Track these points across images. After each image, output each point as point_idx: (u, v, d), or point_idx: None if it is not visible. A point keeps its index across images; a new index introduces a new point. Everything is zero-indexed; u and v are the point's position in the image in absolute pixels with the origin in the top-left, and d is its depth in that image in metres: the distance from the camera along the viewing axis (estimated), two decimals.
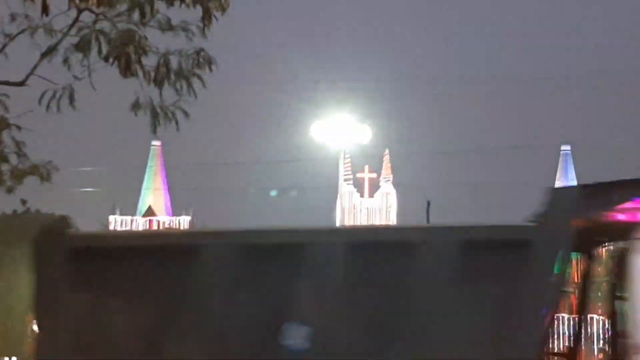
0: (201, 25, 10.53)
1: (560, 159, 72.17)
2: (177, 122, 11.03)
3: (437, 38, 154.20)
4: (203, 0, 10.30)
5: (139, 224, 67.17)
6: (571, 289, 8.07)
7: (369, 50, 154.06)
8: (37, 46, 11.07)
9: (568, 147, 72.07)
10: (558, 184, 71.73)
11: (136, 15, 10.26)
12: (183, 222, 67.46)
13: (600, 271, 8.73)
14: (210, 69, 10.83)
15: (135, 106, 10.99)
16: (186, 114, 11.05)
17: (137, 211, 69.64)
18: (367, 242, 6.76)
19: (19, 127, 12.60)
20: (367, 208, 66.81)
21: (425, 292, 6.35)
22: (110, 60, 10.39)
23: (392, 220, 66.65)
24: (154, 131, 11.19)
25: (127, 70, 10.33)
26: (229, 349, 6.41)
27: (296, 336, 6.23)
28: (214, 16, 10.43)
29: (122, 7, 10.30)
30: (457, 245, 6.52)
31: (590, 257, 8.30)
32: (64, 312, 6.55)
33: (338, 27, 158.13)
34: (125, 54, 10.25)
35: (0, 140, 13.09)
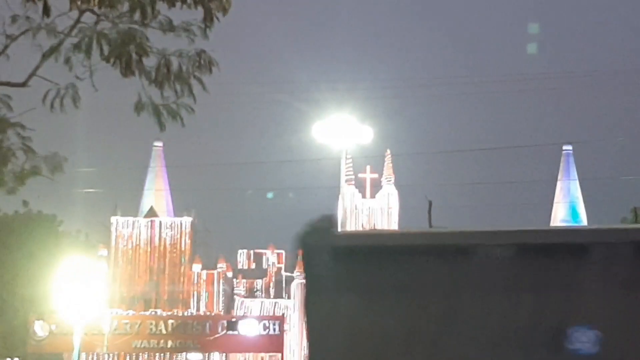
0: (203, 26, 10.54)
1: (562, 158, 72.20)
2: (182, 119, 11.04)
3: (438, 39, 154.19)
4: (204, 1, 10.30)
5: (141, 224, 67.30)
6: None
7: (370, 51, 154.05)
8: (38, 47, 11.09)
9: (570, 147, 72.15)
10: (560, 183, 71.87)
11: (137, 16, 10.26)
12: (185, 223, 67.58)
13: None
14: (211, 71, 10.83)
15: (138, 107, 11.00)
16: (191, 109, 11.06)
17: (138, 212, 69.68)
18: None
19: (23, 126, 12.63)
20: (369, 208, 66.92)
21: None
22: (111, 60, 10.40)
23: (393, 221, 66.84)
24: (163, 129, 11.20)
25: (127, 70, 10.34)
26: (511, 354, 6.37)
27: (584, 340, 6.17)
28: (216, 17, 10.45)
29: (124, 7, 10.30)
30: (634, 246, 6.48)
31: None
32: (332, 313, 6.53)
33: (339, 29, 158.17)
34: (125, 54, 10.26)
35: (2, 141, 13.10)
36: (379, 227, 66.13)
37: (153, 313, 59.94)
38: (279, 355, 53.55)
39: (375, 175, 67.48)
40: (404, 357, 6.39)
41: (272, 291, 69.03)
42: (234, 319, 50.95)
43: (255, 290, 69.14)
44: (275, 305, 67.08)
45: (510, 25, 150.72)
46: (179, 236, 67.28)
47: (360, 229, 66.17)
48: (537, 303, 6.43)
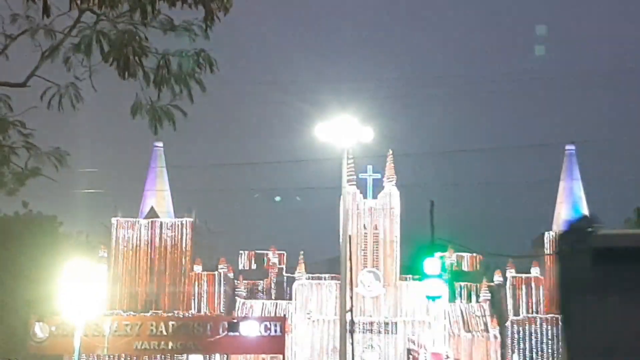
0: (204, 25, 10.51)
1: (565, 158, 72.20)
2: (174, 122, 10.99)
3: (440, 41, 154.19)
4: (205, 0, 10.28)
5: (142, 225, 67.35)
6: None
7: (372, 53, 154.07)
8: (38, 47, 11.07)
9: (572, 147, 72.17)
10: (562, 183, 71.84)
11: (137, 16, 10.24)
12: (185, 223, 67.63)
13: None
14: (212, 70, 10.80)
15: (135, 108, 10.96)
16: (184, 113, 11.02)
17: (139, 213, 69.69)
18: None
19: (23, 124, 12.59)
20: (370, 208, 66.92)
21: None
22: (110, 61, 10.38)
23: (395, 221, 66.83)
24: (155, 132, 11.17)
25: (125, 72, 10.33)
26: None
27: None
28: (217, 17, 10.42)
29: (124, 7, 10.28)
30: None
31: None
32: (596, 314, 6.46)
33: (341, 31, 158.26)
34: (124, 55, 10.25)
35: (2, 141, 13.06)
36: (380, 227, 66.16)
37: (154, 314, 59.97)
38: (280, 356, 53.51)
39: (378, 175, 67.51)
40: None
41: (273, 292, 69.08)
42: (235, 320, 50.93)
43: (256, 291, 69.16)
44: (276, 306, 67.10)
45: (513, 26, 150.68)
46: (179, 237, 67.31)
47: (363, 229, 66.24)
48: None
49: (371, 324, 64.36)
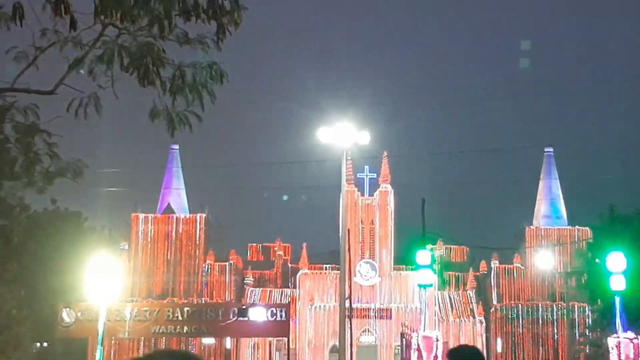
0: (216, 39, 10.51)
1: (544, 159, 72.17)
2: (190, 126, 10.99)
3: (431, 52, 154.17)
4: (218, 15, 10.26)
5: (159, 220, 67.35)
6: None
7: (369, 63, 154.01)
8: (65, 58, 11.06)
9: (551, 149, 72.16)
10: (542, 182, 71.82)
11: (155, 30, 10.23)
12: (199, 218, 67.63)
13: None
14: (222, 82, 10.80)
15: (153, 114, 10.97)
16: (198, 117, 11.01)
17: (157, 209, 69.68)
18: None
19: (49, 134, 12.61)
20: (367, 205, 66.91)
21: None
22: (130, 71, 10.38)
23: (390, 217, 66.83)
24: (172, 135, 11.16)
25: (145, 81, 10.33)
26: None
27: None
28: (228, 31, 10.41)
29: (143, 22, 10.27)
30: None
31: None
32: None
33: (341, 45, 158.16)
34: (143, 66, 10.25)
35: (32, 144, 13.08)
36: (376, 222, 66.16)
37: (170, 301, 59.95)
38: (285, 339, 53.48)
39: (374, 175, 67.50)
40: None
41: (278, 281, 69.08)
42: (244, 307, 50.86)
43: (263, 280, 69.15)
44: (281, 294, 67.10)
45: (500, 39, 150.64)
46: (193, 231, 67.30)
47: (361, 224, 66.21)
48: None
49: (368, 310, 64.35)
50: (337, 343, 37.83)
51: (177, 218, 67.62)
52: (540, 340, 65.50)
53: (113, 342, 57.89)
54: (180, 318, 50.19)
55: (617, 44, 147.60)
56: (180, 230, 67.18)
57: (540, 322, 65.59)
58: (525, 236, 68.12)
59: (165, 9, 9.99)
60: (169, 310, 50.72)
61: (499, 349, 65.77)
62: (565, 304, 58.25)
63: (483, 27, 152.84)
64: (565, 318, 59.76)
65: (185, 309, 51.39)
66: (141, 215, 67.36)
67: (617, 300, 30.66)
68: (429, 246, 36.63)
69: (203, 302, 61.61)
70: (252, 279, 68.20)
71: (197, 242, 67.11)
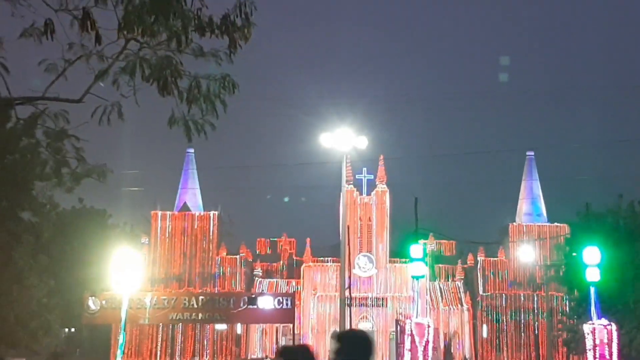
0: (228, 52, 10.51)
1: (526, 162, 72.07)
2: (205, 133, 10.98)
3: (424, 62, 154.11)
4: (229, 31, 10.25)
5: (176, 217, 67.32)
6: None
7: (366, 73, 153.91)
8: (91, 70, 11.07)
9: (532, 153, 72.10)
10: (524, 183, 71.73)
11: (173, 44, 10.24)
12: (212, 216, 67.59)
13: None
14: (234, 92, 10.80)
15: (171, 121, 10.97)
16: (213, 126, 11.01)
17: (174, 207, 69.67)
18: None
19: (77, 138, 12.62)
20: (365, 204, 66.84)
21: None
22: (151, 81, 10.38)
23: (386, 214, 66.73)
24: (190, 140, 11.17)
25: (164, 91, 10.33)
26: None
27: None
28: (239, 45, 10.41)
29: (162, 37, 10.27)
30: None
31: None
32: None
33: (340, 56, 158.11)
34: (162, 77, 10.25)
35: (61, 148, 13.08)
36: (373, 219, 66.10)
37: (186, 291, 59.94)
38: (290, 325, 53.47)
39: (371, 176, 67.47)
40: None
41: (284, 273, 69.04)
42: (253, 296, 50.86)
43: (271, 271, 69.11)
44: (287, 284, 67.06)
45: (486, 48, 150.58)
46: (207, 227, 67.27)
47: (359, 221, 66.16)
48: None
49: (365, 299, 64.26)
50: (338, 329, 37.77)
51: (192, 215, 67.59)
52: (522, 326, 65.45)
53: (134, 328, 57.89)
54: (195, 306, 50.20)
55: (590, 56, 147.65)
56: (196, 227, 67.15)
57: (522, 310, 65.54)
58: (509, 232, 68.03)
59: (182, 25, 10.00)
60: (185, 299, 50.73)
61: (485, 335, 65.72)
62: (545, 294, 58.18)
63: (471, 41, 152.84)
64: (545, 306, 59.68)
65: (200, 297, 51.40)
66: (160, 213, 67.34)
67: (592, 290, 30.60)
68: (421, 241, 36.59)
69: (216, 291, 61.61)
70: (261, 271, 68.15)
71: (211, 237, 67.07)
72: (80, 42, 10.77)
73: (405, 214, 64.65)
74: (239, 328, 64.05)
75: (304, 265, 66.21)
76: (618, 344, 30.53)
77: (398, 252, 62.91)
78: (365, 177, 67.28)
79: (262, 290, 62.56)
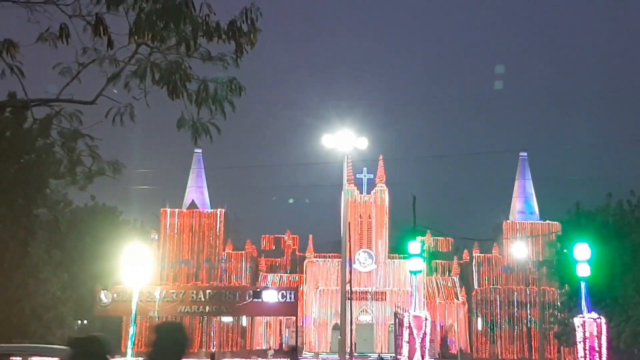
0: (234, 56, 10.51)
1: (519, 162, 72.06)
2: (211, 136, 10.99)
3: (422, 66, 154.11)
4: (236, 36, 10.26)
5: (185, 214, 67.36)
6: None
7: (367, 76, 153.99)
8: (104, 73, 11.09)
9: (525, 153, 72.09)
10: (517, 182, 71.70)
11: (182, 49, 10.25)
12: (219, 213, 67.64)
13: None
14: (240, 95, 10.81)
15: (180, 123, 10.98)
16: (219, 129, 11.02)
17: (182, 205, 69.72)
18: None
19: (91, 137, 12.65)
20: (365, 202, 66.88)
21: None
22: (161, 85, 10.40)
23: (385, 212, 66.77)
24: (195, 143, 11.17)
25: (173, 94, 10.34)
26: None
27: None
28: (245, 50, 10.41)
29: (172, 42, 10.28)
30: None
31: None
32: None
33: (341, 60, 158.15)
34: (172, 81, 10.27)
35: (75, 148, 13.10)
36: (373, 216, 66.13)
37: (194, 284, 59.98)
38: (294, 318, 53.48)
39: (371, 176, 67.49)
40: None
41: (288, 268, 69.07)
42: (258, 289, 50.84)
43: (275, 266, 69.15)
44: (290, 279, 67.09)
45: (482, 53, 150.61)
46: (214, 224, 67.32)
47: (360, 218, 66.18)
48: None
49: (365, 293, 64.30)
50: (339, 321, 37.78)
51: (200, 213, 67.65)
52: (515, 319, 65.43)
53: (144, 320, 57.96)
54: (202, 299, 50.22)
55: (582, 60, 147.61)
56: (203, 223, 67.20)
57: (515, 304, 65.52)
58: (503, 229, 68.05)
59: (192, 30, 10.01)
60: (193, 293, 50.74)
61: (479, 327, 65.72)
62: (537, 288, 58.16)
63: (467, 46, 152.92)
64: (537, 300, 59.70)
65: (207, 291, 51.40)
66: (169, 210, 67.40)
67: (583, 285, 30.59)
68: (419, 238, 36.55)
69: (222, 285, 61.64)
70: (265, 266, 68.20)
71: (218, 234, 67.13)
72: (94, 47, 10.78)
73: (403, 212, 64.75)
74: (244, 320, 64.10)
75: (306, 260, 66.24)
76: (607, 336, 30.53)
77: (397, 248, 62.94)
78: (365, 176, 67.33)
79: (267, 285, 62.59)
